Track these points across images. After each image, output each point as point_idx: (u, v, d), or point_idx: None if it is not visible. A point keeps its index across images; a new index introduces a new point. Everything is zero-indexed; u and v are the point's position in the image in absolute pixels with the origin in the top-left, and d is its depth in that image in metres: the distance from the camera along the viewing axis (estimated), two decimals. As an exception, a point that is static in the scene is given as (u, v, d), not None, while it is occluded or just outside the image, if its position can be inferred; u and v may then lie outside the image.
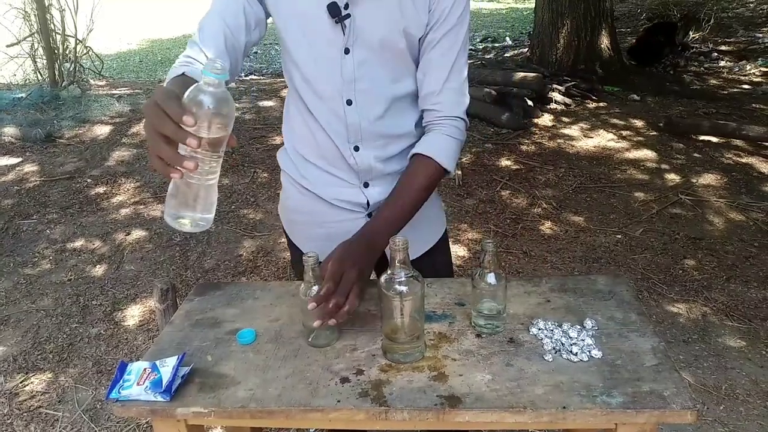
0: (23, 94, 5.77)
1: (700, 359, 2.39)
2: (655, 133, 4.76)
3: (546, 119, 5.10)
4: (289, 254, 1.55)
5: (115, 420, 2.21)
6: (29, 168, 4.40)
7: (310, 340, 1.12)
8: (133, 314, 2.85)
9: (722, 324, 2.59)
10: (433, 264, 1.38)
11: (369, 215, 1.32)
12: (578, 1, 5.78)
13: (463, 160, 4.32)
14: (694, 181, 3.94)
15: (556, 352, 1.05)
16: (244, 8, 1.13)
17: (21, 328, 2.78)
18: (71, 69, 6.13)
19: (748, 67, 6.43)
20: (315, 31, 1.16)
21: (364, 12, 1.13)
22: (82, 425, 2.20)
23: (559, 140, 4.70)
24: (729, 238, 3.27)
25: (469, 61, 1.27)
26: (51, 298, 2.99)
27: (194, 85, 0.80)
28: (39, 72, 6.20)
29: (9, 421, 2.23)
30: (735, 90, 5.78)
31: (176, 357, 1.05)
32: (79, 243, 3.46)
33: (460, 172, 4.04)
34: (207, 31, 1.09)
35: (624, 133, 4.80)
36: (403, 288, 1.00)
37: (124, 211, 3.79)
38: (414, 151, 1.23)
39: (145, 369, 1.03)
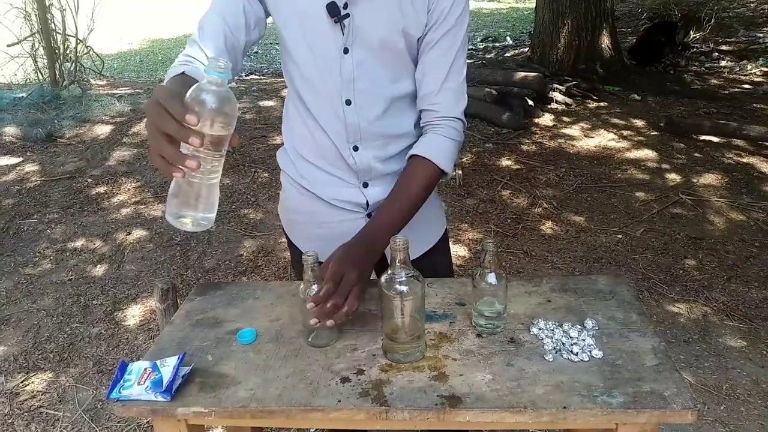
0: (24, 94, 5.77)
1: (701, 359, 2.39)
2: (655, 132, 4.76)
3: (547, 119, 5.10)
4: (289, 254, 1.55)
5: (116, 420, 2.21)
6: (30, 168, 4.40)
7: (310, 339, 1.12)
8: (133, 314, 2.85)
9: (723, 324, 2.59)
10: (433, 264, 1.38)
11: (368, 215, 1.32)
12: (579, 1, 5.78)
13: (464, 159, 4.32)
14: (695, 180, 3.94)
15: (556, 352, 1.05)
16: (244, 7, 1.13)
17: (22, 327, 2.78)
18: (72, 69, 6.14)
19: (749, 67, 6.43)
20: (314, 31, 1.16)
21: (363, 12, 1.13)
22: (82, 425, 2.20)
23: (559, 140, 4.69)
24: (730, 238, 3.27)
25: (469, 61, 1.27)
26: (52, 298, 2.99)
27: (197, 84, 0.79)
28: (40, 72, 6.20)
29: (10, 421, 2.23)
30: (736, 90, 5.77)
31: (177, 357, 1.05)
32: (79, 243, 3.46)
33: (460, 172, 4.04)
34: (207, 30, 1.09)
35: (625, 132, 4.80)
36: (404, 288, 1.00)
37: (124, 211, 3.79)
38: (412, 152, 1.23)
39: (145, 369, 1.03)
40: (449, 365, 1.04)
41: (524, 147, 4.57)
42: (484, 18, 11.47)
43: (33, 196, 3.98)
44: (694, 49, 7.07)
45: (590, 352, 1.04)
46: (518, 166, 4.25)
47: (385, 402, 0.97)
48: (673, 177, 4.01)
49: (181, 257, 3.30)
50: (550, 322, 1.12)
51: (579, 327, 1.10)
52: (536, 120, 5.04)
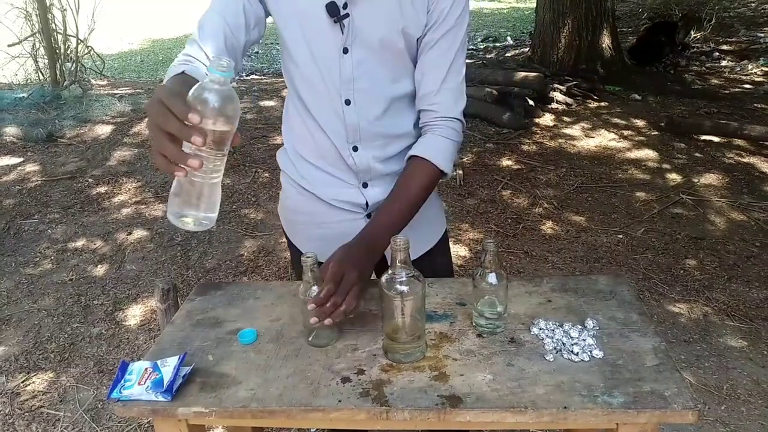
0: (25, 94, 5.78)
1: (702, 359, 2.39)
2: (656, 132, 4.76)
3: (547, 119, 5.10)
4: (289, 254, 1.55)
5: (117, 420, 2.21)
6: (31, 168, 4.41)
7: (310, 339, 1.12)
8: (134, 314, 2.85)
9: (723, 324, 2.59)
10: (433, 264, 1.38)
11: (368, 216, 1.32)
12: (579, 1, 5.78)
13: (464, 159, 4.32)
14: (696, 180, 3.93)
15: (557, 352, 1.05)
16: (244, 7, 1.13)
17: (22, 327, 2.78)
18: (72, 69, 6.14)
19: (750, 67, 6.42)
20: (314, 31, 1.16)
21: (362, 12, 1.13)
22: (83, 425, 2.21)
23: (560, 140, 4.69)
24: (730, 237, 3.26)
25: (470, 61, 1.27)
26: (52, 298, 2.99)
27: (199, 83, 0.79)
28: (40, 72, 6.21)
29: (11, 421, 2.23)
30: (736, 90, 5.77)
31: (177, 357, 1.05)
32: (80, 243, 3.47)
33: (461, 172, 4.04)
34: (207, 29, 1.09)
35: (625, 132, 4.80)
36: (404, 288, 1.00)
37: (125, 211, 3.79)
38: (411, 153, 1.23)
39: (146, 369, 1.03)
40: (450, 365, 1.04)
41: (525, 147, 4.57)
42: (485, 18, 11.47)
43: (34, 196, 3.98)
44: (695, 49, 7.07)
45: (591, 352, 1.04)
46: (519, 166, 4.25)
47: (386, 402, 0.97)
48: (674, 177, 4.01)
49: (181, 257, 3.30)
50: (550, 322, 1.12)
51: (579, 327, 1.10)
52: (537, 120, 5.04)
